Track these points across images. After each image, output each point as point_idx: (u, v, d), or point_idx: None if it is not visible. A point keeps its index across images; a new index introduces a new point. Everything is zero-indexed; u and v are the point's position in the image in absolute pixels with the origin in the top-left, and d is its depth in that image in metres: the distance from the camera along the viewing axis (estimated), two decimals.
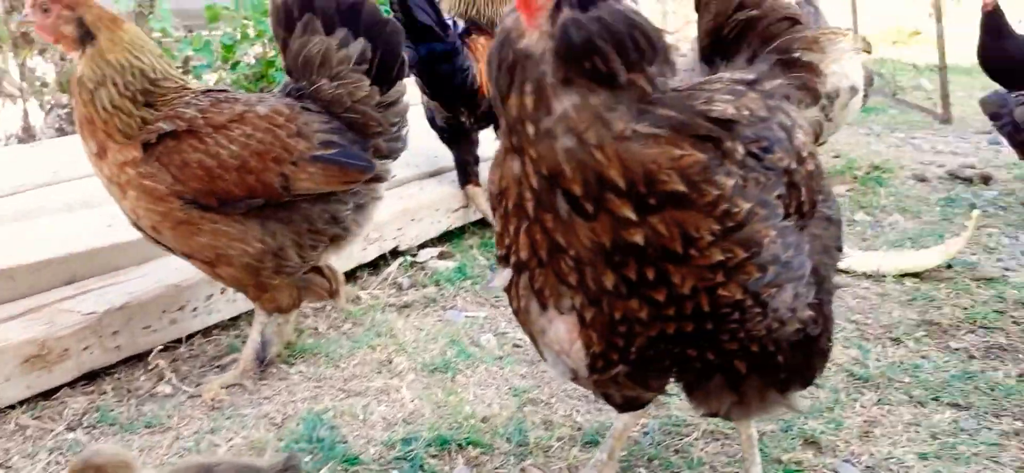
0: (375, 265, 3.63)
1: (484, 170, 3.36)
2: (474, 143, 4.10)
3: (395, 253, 3.70)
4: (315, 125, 2.58)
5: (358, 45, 2.68)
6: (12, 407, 2.45)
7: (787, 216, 1.44)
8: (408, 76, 2.96)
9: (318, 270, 2.72)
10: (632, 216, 1.28)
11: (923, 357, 2.75)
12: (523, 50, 1.31)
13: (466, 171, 4.06)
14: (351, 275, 3.48)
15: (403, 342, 2.92)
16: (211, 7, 5.37)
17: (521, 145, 1.34)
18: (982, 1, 6.29)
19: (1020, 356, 2.73)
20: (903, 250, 3.76)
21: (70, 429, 2.39)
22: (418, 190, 4.03)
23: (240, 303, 3.02)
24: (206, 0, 5.38)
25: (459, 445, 2.25)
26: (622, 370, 1.53)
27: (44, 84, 6.54)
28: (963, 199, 4.63)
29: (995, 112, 4.61)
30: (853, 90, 4.73)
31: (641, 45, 1.29)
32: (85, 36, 2.38)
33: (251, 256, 2.48)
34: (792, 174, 1.44)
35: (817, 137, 2.07)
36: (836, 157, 5.60)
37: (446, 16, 3.80)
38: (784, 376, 1.65)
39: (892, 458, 2.16)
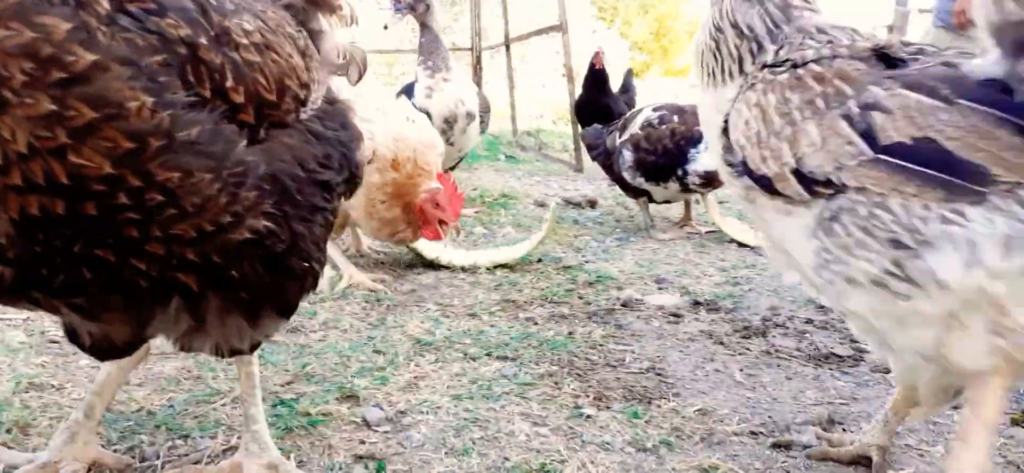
0: None
1: None
2: None
3: None
4: None
5: None
6: None
7: (206, 101, 1.28)
8: None
9: None
10: None
11: (492, 326, 2.82)
12: None
13: None
14: None
15: None
16: None
17: None
18: (593, 59, 7.24)
19: (575, 321, 2.94)
20: (497, 246, 3.96)
21: None
22: None
23: None
24: None
25: None
26: (5, 273, 1.23)
27: None
28: (571, 217, 5.09)
29: (591, 143, 5.19)
30: (469, 116, 5.03)
31: None
32: None
33: None
34: (197, 49, 1.30)
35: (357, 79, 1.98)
36: (474, 190, 5.91)
37: None
38: (248, 297, 1.48)
39: (427, 402, 2.12)
